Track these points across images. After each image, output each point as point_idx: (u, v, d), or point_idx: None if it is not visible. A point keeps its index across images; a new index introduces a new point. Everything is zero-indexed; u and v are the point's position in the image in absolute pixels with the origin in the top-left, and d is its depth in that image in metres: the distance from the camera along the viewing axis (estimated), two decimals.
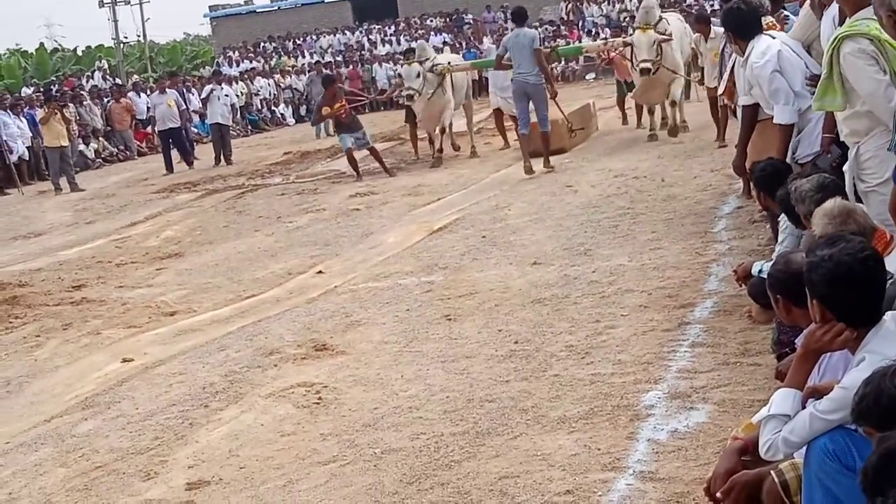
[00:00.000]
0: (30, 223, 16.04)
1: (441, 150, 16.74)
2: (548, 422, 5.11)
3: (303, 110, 31.68)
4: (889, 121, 4.69)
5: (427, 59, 16.54)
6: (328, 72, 25.56)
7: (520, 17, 14.40)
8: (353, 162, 16.10)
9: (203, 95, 23.33)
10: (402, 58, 19.01)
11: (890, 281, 3.79)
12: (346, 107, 16.12)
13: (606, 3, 41.26)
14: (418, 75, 16.16)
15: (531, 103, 13.92)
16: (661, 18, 15.26)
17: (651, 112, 16.25)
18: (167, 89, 22.29)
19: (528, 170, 13.61)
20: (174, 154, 21.36)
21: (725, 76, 8.31)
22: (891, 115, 4.66)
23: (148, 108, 24.74)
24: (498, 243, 9.74)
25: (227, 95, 23.00)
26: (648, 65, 14.56)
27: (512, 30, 14.53)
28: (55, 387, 7.03)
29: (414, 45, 37.46)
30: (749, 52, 6.86)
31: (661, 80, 15.09)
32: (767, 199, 6.23)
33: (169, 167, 21.01)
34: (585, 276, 7.97)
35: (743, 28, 6.93)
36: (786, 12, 8.45)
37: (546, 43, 34.62)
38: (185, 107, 22.59)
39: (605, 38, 26.92)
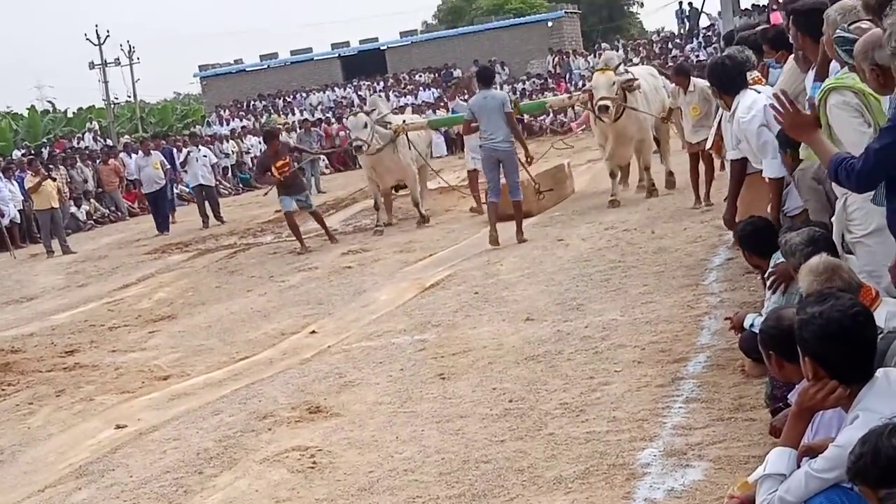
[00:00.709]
0: (22, 287, 16.04)
1: (425, 219, 15.90)
2: (544, 482, 5.09)
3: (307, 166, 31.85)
4: None
5: (374, 111, 15.72)
6: (270, 126, 25.01)
7: (486, 78, 13.52)
8: (294, 228, 15.16)
9: (181, 159, 23.40)
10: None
11: (880, 336, 3.81)
12: (289, 165, 15.05)
13: (593, 55, 41.67)
14: (365, 125, 15.31)
15: (502, 170, 12.94)
16: (625, 70, 14.88)
17: (614, 175, 15.08)
18: (152, 151, 22.39)
19: (494, 240, 12.55)
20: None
21: (713, 131, 8.37)
22: None
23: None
24: (490, 299, 9.75)
25: (205, 156, 22.87)
26: (607, 102, 13.86)
27: (477, 91, 13.62)
28: (48, 455, 7.00)
29: (403, 100, 38.15)
30: (735, 106, 6.93)
31: (628, 133, 14.52)
32: (753, 257, 6.29)
33: (162, 228, 21.07)
34: (578, 332, 7.98)
35: (728, 83, 7.01)
36: (768, 61, 8.54)
37: (534, 96, 35.06)
38: (169, 167, 22.65)
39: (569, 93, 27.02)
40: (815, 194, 6.07)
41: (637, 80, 14.61)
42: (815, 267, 4.35)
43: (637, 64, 35.58)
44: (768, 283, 5.93)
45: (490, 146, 12.77)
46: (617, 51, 41.44)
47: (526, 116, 30.12)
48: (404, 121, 16.35)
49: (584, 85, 25.20)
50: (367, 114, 15.55)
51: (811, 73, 6.10)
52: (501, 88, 40.07)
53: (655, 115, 14.92)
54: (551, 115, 32.16)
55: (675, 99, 13.26)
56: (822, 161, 4.19)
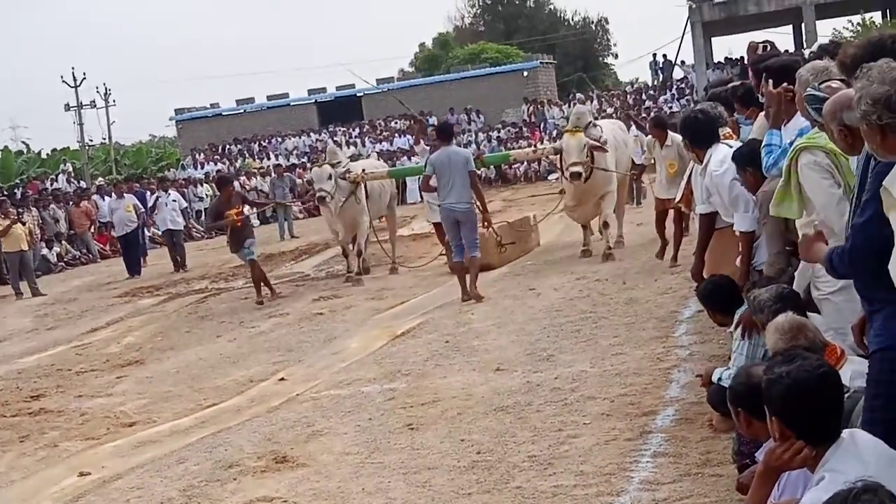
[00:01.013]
0: None
1: (361, 272, 15.41)
2: None
3: (268, 212, 31.75)
4: (841, 233, 4.77)
5: (338, 164, 15.24)
6: (225, 173, 24.75)
7: (446, 134, 12.92)
8: (258, 277, 14.76)
9: (150, 204, 23.23)
10: (317, 161, 17.51)
11: (846, 396, 3.82)
12: (241, 214, 14.57)
13: (567, 105, 41.98)
14: (330, 177, 14.86)
15: (462, 230, 12.42)
16: (593, 125, 14.42)
17: (585, 226, 15.02)
18: (125, 194, 22.27)
19: (466, 298, 12.24)
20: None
21: (683, 184, 8.41)
22: (843, 228, 4.75)
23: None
24: (461, 348, 9.72)
25: (174, 201, 22.57)
26: (579, 168, 13.54)
27: (431, 146, 13.29)
28: (10, 502, 6.89)
29: (379, 147, 38.24)
30: (707, 160, 6.99)
31: (593, 191, 14.17)
32: (716, 315, 6.33)
33: (133, 271, 20.90)
34: (548, 383, 7.96)
35: (701, 136, 7.08)
36: (739, 118, 8.62)
37: (508, 144, 35.26)
38: (142, 210, 22.53)
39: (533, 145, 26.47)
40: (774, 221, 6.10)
41: (603, 138, 14.16)
42: (780, 325, 4.38)
43: (611, 115, 35.94)
44: (735, 334, 5.95)
45: (448, 206, 12.33)
46: (591, 102, 42.03)
47: (503, 165, 30.31)
48: (363, 169, 15.87)
49: (558, 135, 25.01)
50: (333, 165, 15.14)
51: (788, 131, 6.14)
52: (476, 136, 40.45)
53: (622, 172, 14.74)
54: (525, 163, 32.32)
55: (650, 152, 12.94)
56: (818, 261, 4.22)
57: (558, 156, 14.32)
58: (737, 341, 5.88)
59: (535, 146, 18.98)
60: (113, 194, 23.41)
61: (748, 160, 6.20)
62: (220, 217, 14.63)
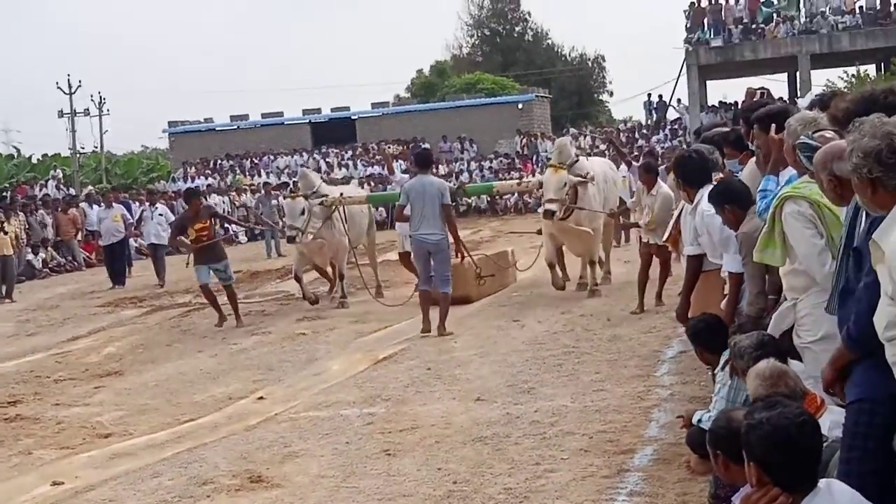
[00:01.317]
0: None
1: (345, 294, 15.01)
2: None
3: (256, 230, 31.72)
4: (823, 282, 4.81)
5: (313, 192, 14.65)
6: (192, 186, 24.10)
7: (423, 162, 12.41)
8: (212, 301, 14.11)
9: (136, 215, 23.06)
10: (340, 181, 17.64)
11: (824, 445, 3.83)
12: (209, 230, 13.90)
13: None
14: (303, 212, 14.27)
15: (433, 262, 12.02)
16: (577, 159, 14.13)
17: (553, 266, 14.29)
18: (114, 204, 22.28)
19: (427, 329, 11.87)
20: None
21: (671, 224, 8.42)
22: (825, 278, 4.78)
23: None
24: (442, 376, 9.70)
25: (161, 215, 22.03)
26: (553, 206, 13.11)
27: (410, 173, 12.55)
28: None
29: (370, 170, 38.25)
30: (698, 199, 7.01)
31: (572, 231, 13.67)
32: (704, 354, 6.34)
33: (117, 281, 20.91)
34: (528, 416, 7.95)
35: (693, 175, 7.11)
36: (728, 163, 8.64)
37: (500, 174, 35.32)
38: (131, 221, 22.51)
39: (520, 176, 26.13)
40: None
41: (590, 174, 13.80)
42: (761, 372, 4.39)
43: (604, 152, 36.05)
44: (721, 375, 5.95)
45: (420, 238, 11.91)
46: (585, 137, 42.18)
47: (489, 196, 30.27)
48: (342, 193, 15.36)
49: (543, 168, 24.74)
50: (307, 197, 14.50)
51: (783, 178, 6.18)
52: (469, 165, 40.54)
53: (607, 213, 14.31)
54: (516, 195, 32.37)
55: (639, 198, 12.57)
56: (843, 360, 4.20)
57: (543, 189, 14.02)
58: (719, 384, 5.88)
59: (521, 178, 18.83)
60: (102, 203, 23.39)
61: (726, 198, 6.24)
62: (183, 231, 13.96)
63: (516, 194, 32.12)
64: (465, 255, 13.52)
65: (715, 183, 7.16)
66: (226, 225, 17.38)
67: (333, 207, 14.70)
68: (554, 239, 14.08)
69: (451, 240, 12.26)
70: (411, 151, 42.31)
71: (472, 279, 14.10)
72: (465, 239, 19.86)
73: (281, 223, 15.77)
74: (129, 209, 23.41)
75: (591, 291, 13.87)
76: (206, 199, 21.61)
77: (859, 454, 3.74)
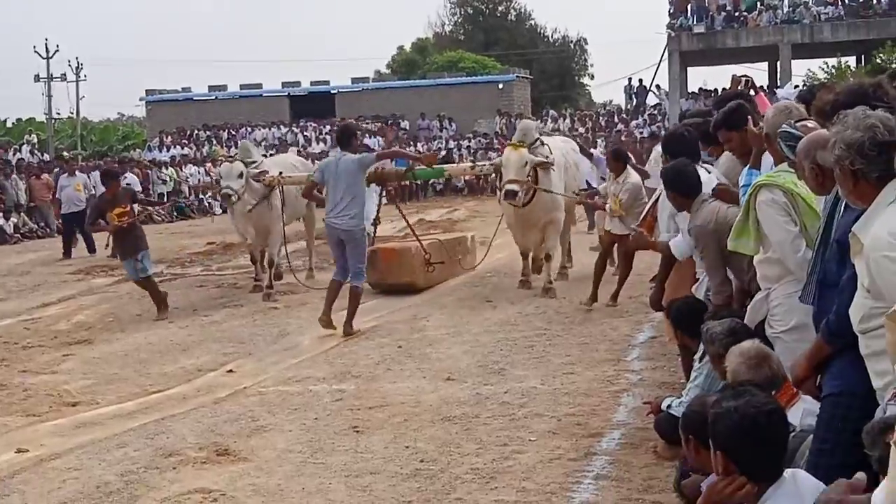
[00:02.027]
0: None
1: (272, 284, 13.84)
2: None
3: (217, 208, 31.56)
4: (797, 270, 4.82)
5: (253, 163, 13.77)
6: (110, 166, 22.57)
7: (345, 139, 11.22)
8: (157, 294, 12.84)
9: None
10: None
11: (792, 434, 3.84)
12: (129, 214, 12.46)
13: (539, 121, 42.09)
14: (240, 175, 13.39)
15: (347, 250, 10.84)
16: (540, 142, 12.93)
17: (526, 255, 13.57)
18: (77, 172, 21.82)
19: (327, 323, 10.71)
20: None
21: (647, 208, 8.31)
22: (798, 266, 4.79)
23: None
24: (413, 355, 9.69)
25: (129, 183, 21.61)
26: (514, 186, 12.05)
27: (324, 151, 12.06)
28: None
29: None
30: None
31: (535, 215, 12.76)
32: (684, 337, 6.31)
33: (67, 252, 20.37)
34: (497, 396, 7.95)
35: (685, 153, 6.87)
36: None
37: (478, 154, 35.20)
38: (93, 192, 21.93)
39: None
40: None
41: (552, 158, 12.75)
42: (745, 350, 4.39)
43: (584, 134, 35.99)
44: (696, 364, 5.96)
45: (334, 223, 10.76)
46: (564, 120, 42.16)
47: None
48: (280, 173, 14.04)
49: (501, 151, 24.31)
50: (245, 164, 13.63)
51: (765, 164, 6.17)
52: (447, 143, 40.38)
53: (570, 196, 13.35)
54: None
55: (606, 185, 12.09)
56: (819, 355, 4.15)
57: (498, 174, 13.03)
58: (696, 372, 5.90)
59: (473, 164, 16.23)
60: (65, 172, 22.79)
61: (669, 182, 6.29)
62: (102, 216, 12.58)
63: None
64: (416, 235, 13.20)
65: (704, 164, 7.05)
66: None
67: (271, 187, 13.74)
68: (519, 234, 13.29)
69: (371, 223, 12.23)
70: (390, 128, 42.41)
71: (419, 266, 13.39)
72: (440, 218, 19.63)
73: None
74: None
75: (546, 290, 12.65)
76: (125, 178, 20.88)
77: (831, 447, 3.74)
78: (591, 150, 16.42)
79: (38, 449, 7.17)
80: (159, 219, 26.85)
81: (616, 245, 11.84)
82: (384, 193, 14.44)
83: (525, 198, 12.37)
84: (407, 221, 13.57)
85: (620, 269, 11.61)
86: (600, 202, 12.28)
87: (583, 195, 13.65)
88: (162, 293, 12.89)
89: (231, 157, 14.88)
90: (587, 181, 14.77)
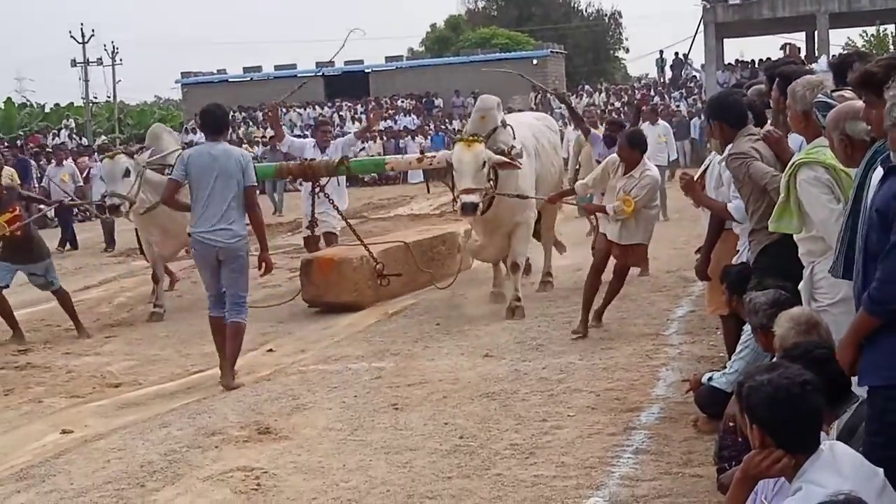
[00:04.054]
0: None
1: (160, 304, 11.54)
2: None
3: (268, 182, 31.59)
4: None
5: (160, 156, 11.19)
6: None
7: (214, 125, 8.46)
8: (6, 312, 10.64)
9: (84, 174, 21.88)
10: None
11: (856, 403, 3.82)
12: (20, 218, 10.48)
13: (574, 96, 41.93)
14: (126, 173, 10.80)
15: (222, 274, 8.34)
16: (502, 127, 10.39)
17: (496, 263, 11.29)
18: (64, 162, 21.09)
19: (227, 385, 8.12)
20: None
21: (696, 175, 7.97)
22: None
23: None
24: (451, 332, 9.72)
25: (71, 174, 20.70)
26: (472, 198, 9.56)
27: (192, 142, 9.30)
28: None
29: (383, 124, 38.05)
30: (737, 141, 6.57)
31: (500, 220, 10.41)
32: (739, 304, 6.16)
33: (65, 243, 20.00)
34: (536, 372, 7.97)
35: (739, 116, 6.36)
36: None
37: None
38: (81, 182, 21.25)
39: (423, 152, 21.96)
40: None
41: (517, 149, 10.20)
42: (796, 316, 4.36)
43: (620, 110, 35.58)
44: (744, 335, 5.89)
45: (204, 236, 8.19)
46: (599, 94, 41.85)
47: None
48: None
49: (563, 124, 22.25)
50: (132, 155, 11.15)
51: (793, 143, 6.08)
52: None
53: (545, 198, 10.72)
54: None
55: (604, 175, 9.41)
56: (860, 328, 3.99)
57: (451, 174, 10.27)
58: (742, 345, 5.85)
59: (423, 153, 12.38)
60: (52, 161, 21.81)
61: (717, 111, 6.25)
62: None
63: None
64: (361, 241, 11.35)
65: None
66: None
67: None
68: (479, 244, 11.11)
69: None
70: (424, 106, 42.39)
71: (365, 279, 11.12)
72: (431, 211, 18.65)
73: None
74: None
75: (512, 309, 10.18)
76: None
77: (885, 440, 3.63)
78: (588, 127, 12.95)
79: (83, 430, 7.28)
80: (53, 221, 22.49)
81: (614, 257, 9.43)
82: (316, 192, 11.66)
83: (484, 206, 9.96)
84: (348, 224, 11.80)
85: (611, 284, 9.46)
86: (592, 206, 10.03)
87: (557, 194, 10.83)
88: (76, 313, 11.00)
89: (120, 150, 11.79)
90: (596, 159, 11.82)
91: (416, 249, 12.03)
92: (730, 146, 6.20)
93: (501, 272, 11.21)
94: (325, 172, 11.44)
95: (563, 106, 34.90)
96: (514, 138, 10.39)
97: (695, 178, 7.14)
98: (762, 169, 5.86)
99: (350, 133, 12.82)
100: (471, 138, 9.91)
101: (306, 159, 11.76)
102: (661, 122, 19.20)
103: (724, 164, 6.58)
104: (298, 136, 18.39)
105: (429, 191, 12.68)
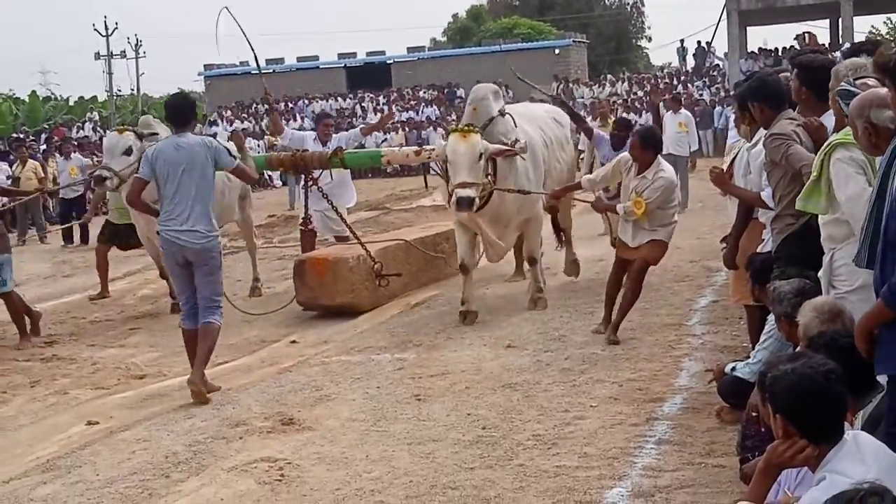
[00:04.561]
0: None
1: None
2: None
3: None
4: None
5: (153, 137, 10.24)
6: None
7: (180, 116, 7.93)
8: (15, 311, 10.21)
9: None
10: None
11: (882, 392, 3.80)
12: None
13: (597, 85, 41.82)
14: (128, 151, 10.24)
15: (195, 276, 7.82)
16: (502, 114, 9.88)
17: (469, 270, 10.08)
18: (72, 155, 20.76)
19: (198, 394, 7.58)
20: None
21: (725, 165, 7.55)
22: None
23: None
24: (473, 323, 9.72)
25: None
26: (468, 192, 8.98)
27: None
28: (17, 446, 6.94)
29: (406, 115, 38.05)
30: (776, 124, 6.15)
31: (505, 216, 9.82)
32: (763, 293, 6.13)
33: (68, 239, 19.45)
34: (558, 363, 7.97)
35: (780, 98, 6.20)
36: None
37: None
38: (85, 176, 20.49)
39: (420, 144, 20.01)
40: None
41: (520, 143, 9.59)
42: (820, 305, 4.34)
43: (637, 97, 35.52)
44: (768, 325, 5.87)
45: (171, 235, 7.70)
46: (622, 83, 41.71)
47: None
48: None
49: (585, 115, 21.08)
50: (142, 137, 10.43)
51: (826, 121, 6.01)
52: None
53: (546, 192, 10.19)
54: None
55: (615, 173, 8.96)
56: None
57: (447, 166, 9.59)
58: (766, 334, 5.82)
59: (419, 149, 11.32)
60: (61, 154, 21.47)
61: (759, 93, 6.11)
62: None
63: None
64: (358, 239, 10.73)
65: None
66: None
67: None
68: (469, 228, 10.09)
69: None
70: (447, 97, 42.32)
71: (362, 280, 10.49)
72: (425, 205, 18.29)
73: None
74: None
75: (534, 300, 10.15)
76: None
77: None
78: (591, 128, 11.97)
79: (108, 421, 7.33)
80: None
81: (628, 259, 8.88)
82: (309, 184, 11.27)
83: (481, 202, 9.36)
84: (344, 221, 11.13)
85: (626, 292, 8.79)
86: (602, 204, 9.33)
87: (562, 189, 10.22)
88: (25, 318, 10.28)
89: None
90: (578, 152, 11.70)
91: (405, 252, 11.42)
92: (766, 130, 6.11)
93: (472, 285, 10.12)
94: (318, 164, 10.93)
95: (583, 97, 34.59)
96: (515, 128, 9.91)
97: (723, 169, 7.08)
98: (801, 153, 5.72)
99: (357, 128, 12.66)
100: (466, 128, 9.38)
101: (299, 150, 11.31)
102: (682, 110, 18.96)
103: (752, 150, 6.54)
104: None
105: (426, 186, 11.15)
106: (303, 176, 11.52)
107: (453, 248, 11.12)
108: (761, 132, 6.41)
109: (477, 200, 9.14)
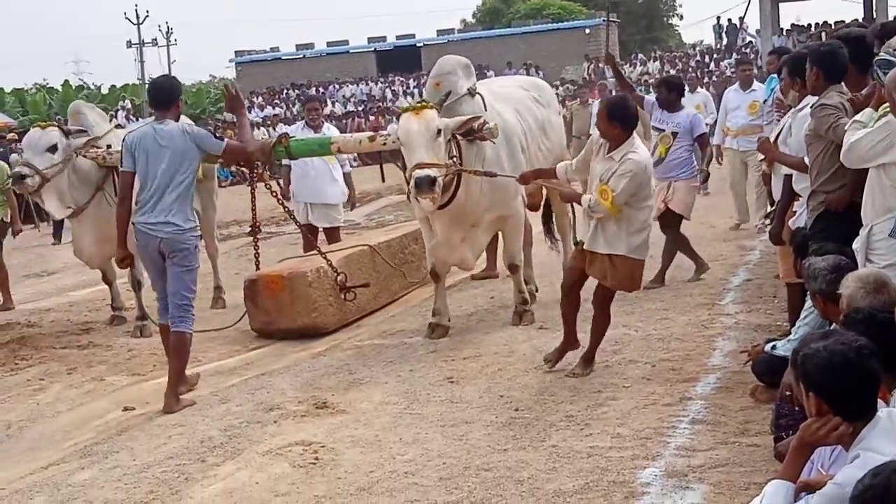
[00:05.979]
0: (43, 261, 16.13)
1: (144, 314, 9.80)
2: (542, 495, 5.08)
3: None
4: None
5: (83, 131, 9.49)
6: None
7: (161, 98, 7.53)
8: None
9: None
10: None
11: None
12: None
13: (628, 65, 41.57)
14: (53, 149, 9.27)
15: (168, 272, 7.37)
16: (469, 95, 8.54)
17: (437, 278, 8.90)
18: None
19: (170, 406, 7.16)
20: None
21: (773, 135, 7.28)
22: None
23: None
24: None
25: None
26: (426, 172, 7.54)
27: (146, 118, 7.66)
28: (55, 433, 7.03)
29: None
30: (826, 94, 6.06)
31: (471, 212, 8.44)
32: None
33: (57, 236, 18.30)
34: None
35: (840, 70, 6.01)
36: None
37: (566, 102, 33.88)
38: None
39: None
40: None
41: (489, 125, 8.15)
42: (864, 276, 4.30)
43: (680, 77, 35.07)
44: (808, 302, 5.80)
45: (146, 226, 7.27)
46: (654, 62, 41.44)
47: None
48: (109, 146, 9.63)
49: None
50: (68, 134, 9.45)
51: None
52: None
53: (513, 176, 8.35)
54: None
55: (587, 153, 7.22)
56: None
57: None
58: (806, 311, 5.75)
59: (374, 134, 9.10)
60: None
61: (823, 62, 5.96)
62: None
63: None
64: (319, 250, 9.49)
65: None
66: None
67: (108, 168, 9.49)
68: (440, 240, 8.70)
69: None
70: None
71: (325, 296, 9.20)
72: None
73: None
74: None
75: (519, 314, 8.93)
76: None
77: None
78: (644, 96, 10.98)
79: (144, 407, 7.40)
80: None
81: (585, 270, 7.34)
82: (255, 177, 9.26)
83: (449, 191, 8.05)
84: (292, 218, 9.96)
85: (594, 319, 7.39)
86: (567, 190, 7.61)
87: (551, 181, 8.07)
88: None
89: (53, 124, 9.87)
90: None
91: (385, 251, 10.23)
92: (814, 96, 5.99)
93: (444, 293, 8.97)
94: (263, 156, 8.55)
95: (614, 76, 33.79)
96: (486, 111, 8.48)
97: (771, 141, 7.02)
98: None
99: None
100: (419, 105, 8.05)
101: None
102: (700, 90, 17.91)
103: (799, 115, 6.42)
104: (350, 113, 17.75)
105: (383, 179, 10.24)
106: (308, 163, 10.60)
107: (423, 249, 9.65)
108: (807, 101, 6.29)
109: (440, 182, 7.61)
